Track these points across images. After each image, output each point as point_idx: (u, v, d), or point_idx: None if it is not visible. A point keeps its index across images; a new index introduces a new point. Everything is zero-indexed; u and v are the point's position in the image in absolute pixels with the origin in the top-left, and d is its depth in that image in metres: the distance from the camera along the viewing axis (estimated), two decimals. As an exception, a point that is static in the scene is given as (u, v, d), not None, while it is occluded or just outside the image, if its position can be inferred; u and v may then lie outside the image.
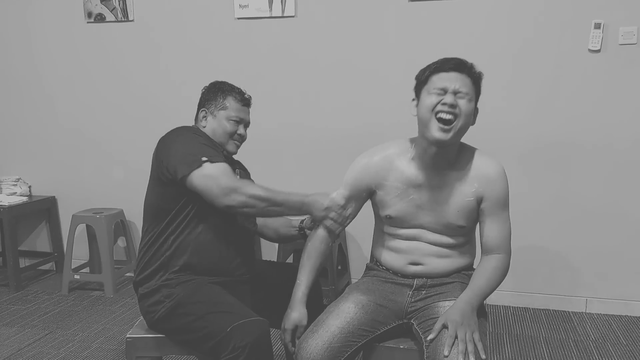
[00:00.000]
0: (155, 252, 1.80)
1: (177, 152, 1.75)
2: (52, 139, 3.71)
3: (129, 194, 3.55)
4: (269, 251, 3.42)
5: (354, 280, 3.32)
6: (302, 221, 2.01)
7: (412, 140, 1.71)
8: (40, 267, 3.81)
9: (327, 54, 3.19)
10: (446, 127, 1.56)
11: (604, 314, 3.01)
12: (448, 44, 2.95)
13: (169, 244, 1.79)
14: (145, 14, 3.43)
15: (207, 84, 2.02)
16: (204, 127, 1.94)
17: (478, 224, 1.73)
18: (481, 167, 1.66)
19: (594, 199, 2.96)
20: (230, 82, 2.02)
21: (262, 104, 3.08)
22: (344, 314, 1.65)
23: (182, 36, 3.39)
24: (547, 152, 2.98)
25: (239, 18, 3.27)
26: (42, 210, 3.76)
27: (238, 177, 1.92)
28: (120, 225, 3.57)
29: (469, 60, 1.63)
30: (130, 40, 3.47)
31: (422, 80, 1.63)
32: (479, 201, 1.66)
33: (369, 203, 1.81)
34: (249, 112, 2.01)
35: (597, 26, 2.81)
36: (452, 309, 1.55)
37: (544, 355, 2.57)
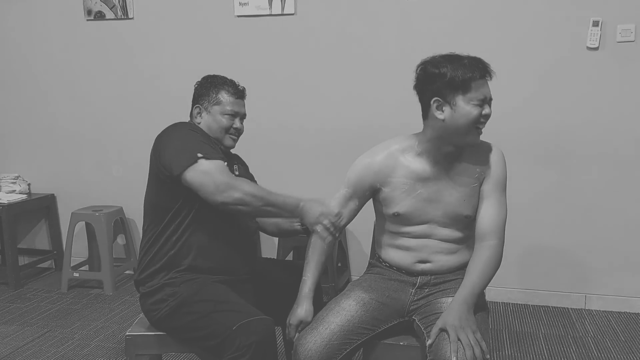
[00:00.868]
0: (157, 251, 1.80)
1: (173, 149, 1.73)
2: (51, 137, 3.70)
3: (128, 191, 3.55)
4: (269, 248, 3.42)
5: (354, 278, 3.32)
6: None
7: (417, 136, 1.70)
8: (39, 265, 3.81)
9: (326, 51, 3.19)
10: (480, 133, 1.62)
11: (603, 311, 3.02)
12: (447, 40, 2.94)
13: (172, 244, 1.78)
14: (145, 11, 3.42)
15: (200, 79, 1.98)
16: (199, 123, 1.92)
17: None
18: (482, 152, 1.69)
19: (593, 196, 2.97)
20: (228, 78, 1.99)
21: (262, 101, 3.10)
22: (344, 311, 1.65)
23: (181, 34, 3.39)
24: (545, 149, 2.99)
25: (238, 16, 3.27)
26: (41, 208, 3.75)
27: (237, 173, 1.92)
28: (119, 222, 3.57)
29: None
30: (130, 37, 3.46)
31: (453, 85, 1.55)
32: (481, 184, 1.68)
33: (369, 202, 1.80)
34: (244, 104, 1.98)
35: (596, 24, 2.81)
36: (448, 312, 1.53)
37: (543, 351, 2.58)
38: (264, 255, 3.39)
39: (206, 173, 1.67)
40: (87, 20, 3.50)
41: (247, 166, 2.08)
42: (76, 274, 3.46)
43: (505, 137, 2.99)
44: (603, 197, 2.95)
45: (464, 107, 1.57)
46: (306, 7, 3.17)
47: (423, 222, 1.69)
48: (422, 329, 1.60)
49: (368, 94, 3.16)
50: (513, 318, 2.95)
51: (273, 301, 1.87)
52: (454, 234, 1.70)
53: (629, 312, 3.00)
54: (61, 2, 3.52)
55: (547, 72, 2.92)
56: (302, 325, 1.67)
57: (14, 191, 3.60)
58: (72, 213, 3.43)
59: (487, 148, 1.71)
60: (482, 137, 1.68)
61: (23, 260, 3.76)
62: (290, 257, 3.30)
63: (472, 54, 1.63)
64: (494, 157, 1.69)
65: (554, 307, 3.09)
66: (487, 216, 1.66)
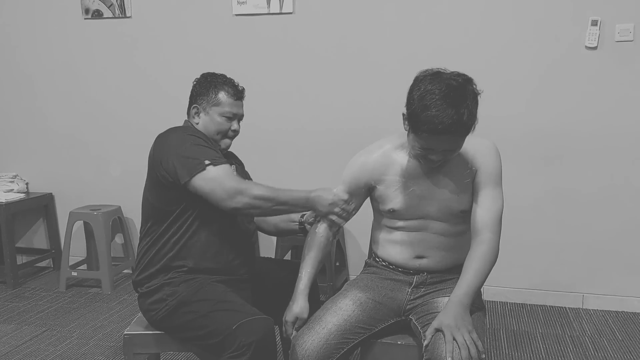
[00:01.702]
0: (156, 253, 1.80)
1: (177, 156, 1.72)
2: (49, 136, 3.70)
3: (126, 190, 3.55)
4: (267, 248, 3.42)
5: (352, 277, 3.33)
6: (302, 215, 1.99)
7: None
8: (37, 264, 3.80)
9: (325, 50, 3.19)
10: (433, 166, 1.61)
11: (600, 310, 3.03)
12: (447, 39, 2.95)
13: (171, 246, 1.79)
14: (142, 10, 3.42)
15: (199, 76, 1.95)
16: (197, 123, 1.90)
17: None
18: (474, 147, 1.66)
19: (590, 195, 2.97)
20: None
21: (261, 100, 3.10)
22: (341, 311, 1.66)
23: (180, 33, 3.38)
24: (543, 148, 2.99)
25: (237, 14, 3.27)
26: (40, 207, 3.75)
27: (234, 172, 1.91)
28: (117, 222, 3.57)
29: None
30: (128, 36, 3.46)
31: (410, 122, 1.53)
32: (474, 178, 1.66)
33: (367, 200, 1.81)
34: (242, 106, 1.96)
35: (594, 23, 2.81)
36: (444, 313, 1.53)
37: (541, 350, 2.59)
38: (262, 255, 3.39)
39: (215, 180, 1.68)
40: (85, 18, 3.50)
41: (242, 164, 2.08)
42: (74, 273, 3.46)
43: (503, 137, 2.99)
44: (600, 196, 2.96)
45: (410, 140, 1.58)
46: (304, 5, 3.17)
47: (419, 217, 1.69)
48: (419, 328, 1.60)
49: (366, 92, 3.16)
50: (510, 317, 2.95)
51: (271, 300, 1.87)
52: (451, 228, 1.70)
53: (626, 312, 3.00)
54: (59, 0, 3.51)
55: (546, 71, 2.93)
56: (298, 322, 1.67)
57: (11, 190, 3.59)
58: (70, 212, 3.42)
59: (478, 143, 1.68)
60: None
61: (21, 259, 3.76)
62: (288, 256, 3.30)
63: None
64: (485, 151, 1.66)
65: (552, 306, 3.09)
66: (479, 210, 1.64)
